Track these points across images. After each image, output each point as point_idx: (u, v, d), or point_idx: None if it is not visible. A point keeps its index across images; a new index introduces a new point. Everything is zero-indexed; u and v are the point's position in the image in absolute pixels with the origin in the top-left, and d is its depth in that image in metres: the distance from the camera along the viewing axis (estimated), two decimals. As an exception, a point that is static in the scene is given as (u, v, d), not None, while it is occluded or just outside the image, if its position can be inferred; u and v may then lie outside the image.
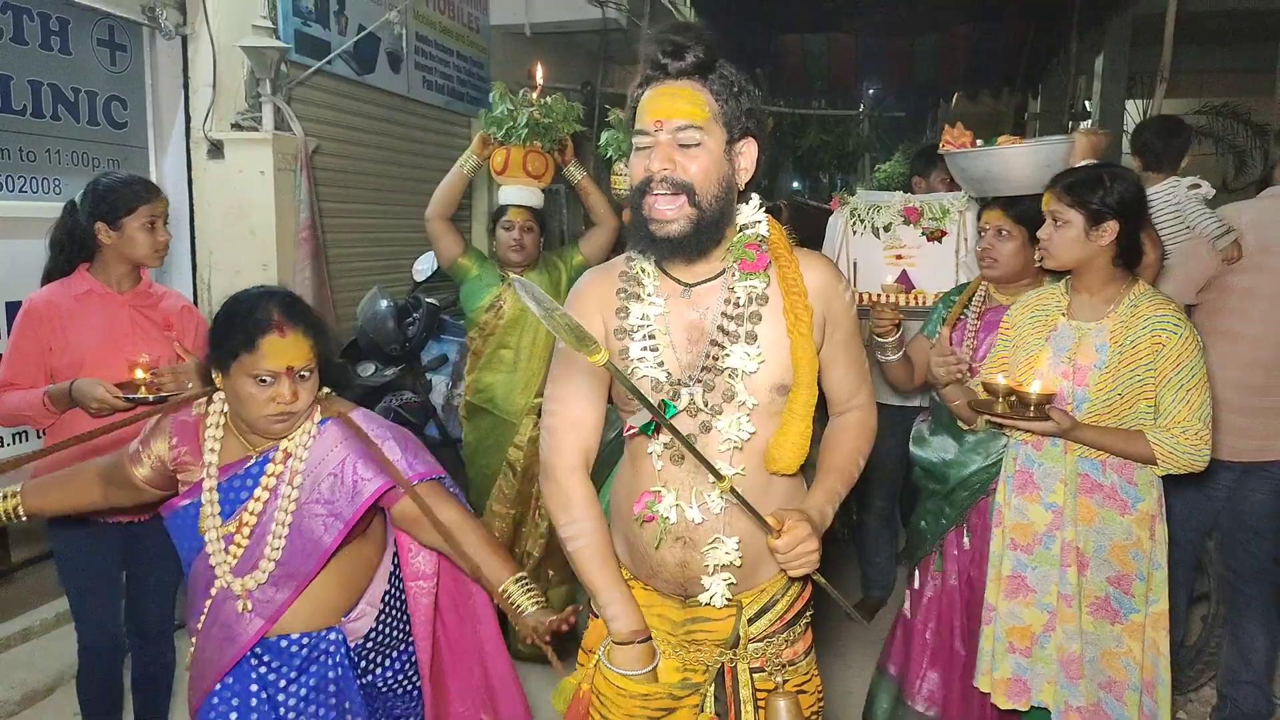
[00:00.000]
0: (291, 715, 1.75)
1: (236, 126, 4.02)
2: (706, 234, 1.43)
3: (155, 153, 4.01)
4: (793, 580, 1.56)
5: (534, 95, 3.13)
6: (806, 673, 1.62)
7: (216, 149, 4.02)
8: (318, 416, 1.77)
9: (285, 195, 4.05)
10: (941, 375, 2.37)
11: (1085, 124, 8.78)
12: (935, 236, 3.20)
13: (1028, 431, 2.12)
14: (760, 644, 1.56)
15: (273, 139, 4.00)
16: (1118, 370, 2.04)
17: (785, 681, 1.55)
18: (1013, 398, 2.02)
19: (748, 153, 1.47)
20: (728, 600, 1.50)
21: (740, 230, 1.51)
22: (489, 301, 3.24)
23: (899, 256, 3.22)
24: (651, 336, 1.49)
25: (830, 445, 1.63)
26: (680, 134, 1.39)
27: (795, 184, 15.22)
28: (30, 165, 3.46)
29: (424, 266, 4.86)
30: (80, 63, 3.65)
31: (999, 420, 2.07)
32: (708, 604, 1.50)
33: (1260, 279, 2.76)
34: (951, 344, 2.47)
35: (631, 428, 1.44)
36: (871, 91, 10.24)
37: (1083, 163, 2.38)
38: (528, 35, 6.40)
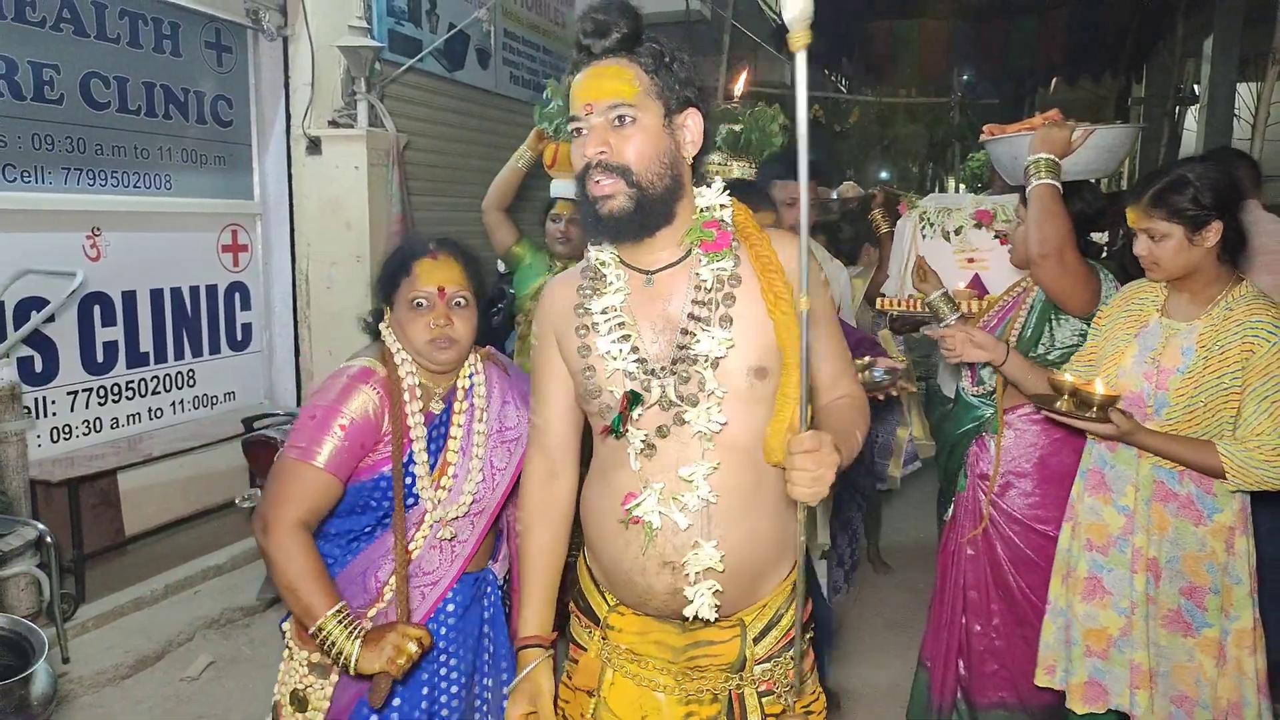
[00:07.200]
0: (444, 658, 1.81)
1: (333, 124, 4.18)
2: (652, 210, 1.35)
3: (258, 149, 4.21)
4: (793, 595, 1.44)
5: None
6: (813, 692, 1.52)
7: (315, 145, 4.18)
8: (480, 358, 1.89)
9: (378, 189, 4.19)
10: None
11: (1192, 109, 8.37)
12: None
13: (1087, 432, 2.06)
14: (767, 665, 1.46)
15: (367, 135, 4.14)
16: (1201, 376, 1.93)
17: (794, 703, 1.45)
18: (1076, 396, 1.95)
19: (692, 125, 1.39)
20: (717, 610, 1.38)
21: (701, 212, 1.43)
22: (534, 289, 3.33)
23: (971, 260, 3.16)
24: (621, 325, 1.41)
25: (825, 424, 1.44)
26: (612, 113, 1.33)
27: (884, 173, 14.96)
28: (144, 162, 3.66)
29: (509, 258, 4.96)
30: (189, 64, 3.85)
31: (1058, 418, 2.00)
32: (696, 618, 1.39)
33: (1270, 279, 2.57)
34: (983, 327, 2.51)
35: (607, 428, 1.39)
36: (964, 78, 9.94)
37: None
38: (612, 28, 6.43)
